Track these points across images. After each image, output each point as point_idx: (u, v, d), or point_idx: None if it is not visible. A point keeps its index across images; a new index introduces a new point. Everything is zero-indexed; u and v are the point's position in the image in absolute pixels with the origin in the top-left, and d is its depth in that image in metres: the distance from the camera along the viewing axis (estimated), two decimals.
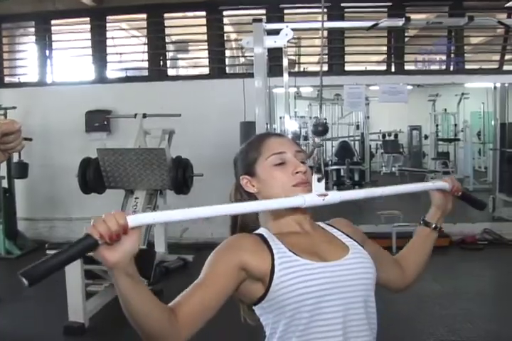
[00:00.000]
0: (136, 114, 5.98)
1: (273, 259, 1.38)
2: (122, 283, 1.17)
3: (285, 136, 1.66)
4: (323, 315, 1.36)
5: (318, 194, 1.38)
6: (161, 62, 8.31)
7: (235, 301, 1.49)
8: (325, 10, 6.89)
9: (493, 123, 8.86)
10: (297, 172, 1.49)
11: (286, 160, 1.51)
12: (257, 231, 1.52)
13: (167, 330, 1.24)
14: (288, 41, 5.04)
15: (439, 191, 1.70)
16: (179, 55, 10.16)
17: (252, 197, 1.57)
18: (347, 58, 8.16)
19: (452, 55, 8.04)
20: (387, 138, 15.04)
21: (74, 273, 4.32)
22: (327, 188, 1.40)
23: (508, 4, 7.89)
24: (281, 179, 1.50)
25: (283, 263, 1.38)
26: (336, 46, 7.97)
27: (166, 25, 8.14)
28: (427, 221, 1.75)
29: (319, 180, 1.39)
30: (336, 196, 1.40)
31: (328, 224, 1.61)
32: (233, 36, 9.76)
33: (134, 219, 1.14)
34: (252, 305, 1.44)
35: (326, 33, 7.00)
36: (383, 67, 8.40)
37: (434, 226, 1.74)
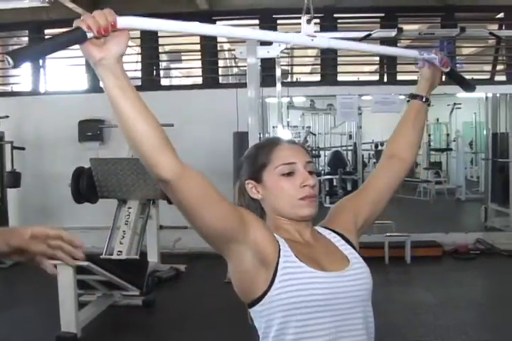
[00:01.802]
0: None
1: (279, 256, 1.38)
2: (108, 82, 1.18)
3: (297, 143, 1.62)
4: (315, 325, 1.36)
5: (307, 34, 1.36)
6: (154, 72, 8.32)
7: (242, 305, 1.47)
8: (317, 20, 6.92)
9: (485, 133, 8.92)
10: (305, 186, 1.47)
11: (295, 171, 1.49)
12: None
13: (158, 151, 1.21)
14: (281, 51, 5.05)
15: (428, 64, 1.72)
16: (172, 65, 10.19)
17: (256, 202, 1.56)
18: (340, 68, 8.19)
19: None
20: (379, 147, 15.03)
21: (66, 283, 4.30)
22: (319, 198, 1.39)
23: (499, 15, 7.97)
24: (288, 191, 1.48)
25: (287, 267, 1.37)
26: (328, 56, 8.00)
27: (159, 35, 8.15)
28: (417, 93, 1.75)
29: (309, 21, 1.37)
30: (324, 39, 1.38)
31: (325, 228, 1.59)
32: (226, 46, 9.79)
33: (124, 19, 1.16)
34: (248, 306, 1.43)
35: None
36: (376, 77, 8.44)
37: (424, 98, 1.75)
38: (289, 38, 1.35)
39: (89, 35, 1.11)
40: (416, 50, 1.70)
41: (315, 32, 1.35)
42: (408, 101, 1.78)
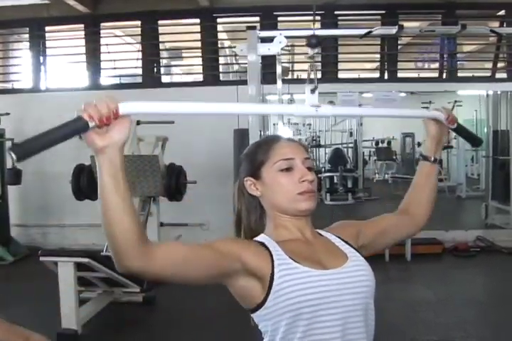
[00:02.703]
0: None
1: (273, 267, 1.38)
2: (104, 171, 1.19)
3: (295, 140, 1.62)
4: (321, 323, 1.36)
5: (312, 105, 1.37)
6: (155, 69, 8.31)
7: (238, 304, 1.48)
8: (318, 17, 6.91)
9: (485, 130, 8.91)
10: (304, 181, 1.48)
11: (293, 167, 1.50)
12: (256, 238, 1.51)
13: (132, 246, 1.19)
14: (282, 49, 5.04)
15: (434, 121, 1.70)
16: (173, 62, 10.18)
17: (255, 199, 1.57)
18: (340, 66, 8.18)
19: (446, 56, 8.05)
20: (380, 145, 15.07)
21: (67, 280, 4.31)
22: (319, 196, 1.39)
23: (500, 13, 7.95)
24: (286, 186, 1.49)
25: (283, 270, 1.38)
26: (329, 54, 8.00)
27: (160, 32, 8.15)
28: (425, 155, 1.75)
29: (312, 91, 1.37)
30: (328, 108, 1.39)
31: (326, 231, 1.61)
32: (227, 43, 9.79)
33: (125, 106, 1.15)
34: (251, 312, 1.43)
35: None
36: (376, 75, 8.43)
37: (433, 158, 1.74)
38: (294, 110, 1.37)
39: (91, 124, 1.11)
40: (423, 110, 1.73)
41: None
42: (418, 160, 1.78)
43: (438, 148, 1.74)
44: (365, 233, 1.62)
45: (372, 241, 1.64)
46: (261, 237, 1.51)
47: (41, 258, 4.45)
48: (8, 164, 7.20)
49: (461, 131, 1.77)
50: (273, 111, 1.41)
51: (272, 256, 1.41)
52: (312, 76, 1.53)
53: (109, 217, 1.19)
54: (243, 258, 1.37)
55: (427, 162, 1.74)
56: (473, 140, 1.84)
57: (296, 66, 9.16)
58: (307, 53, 3.86)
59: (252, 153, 1.57)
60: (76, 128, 1.10)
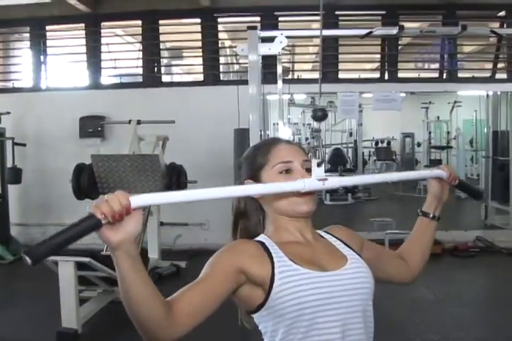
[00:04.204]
0: (130, 120, 5.99)
1: (273, 268, 1.39)
2: (124, 264, 1.17)
3: (294, 143, 1.64)
4: (321, 324, 1.37)
5: (319, 178, 1.38)
6: (156, 69, 8.32)
7: (232, 304, 1.49)
8: (318, 18, 6.92)
9: (485, 131, 8.92)
10: None
11: (292, 169, 1.50)
12: (257, 238, 1.52)
13: (163, 322, 1.23)
14: (282, 49, 5.04)
15: (435, 179, 1.71)
16: (173, 62, 10.18)
17: (255, 202, 1.58)
18: (341, 66, 8.19)
19: (446, 56, 8.05)
20: (380, 145, 15.06)
21: (67, 279, 4.32)
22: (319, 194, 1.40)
23: (500, 13, 7.96)
24: None
25: (283, 272, 1.39)
26: (329, 54, 8.00)
27: (160, 31, 8.15)
28: (425, 211, 1.76)
29: (319, 164, 1.39)
30: (335, 181, 1.41)
31: (326, 232, 1.61)
32: (228, 43, 9.78)
33: (136, 200, 1.15)
34: (251, 312, 1.44)
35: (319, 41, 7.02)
36: (377, 75, 8.44)
37: (431, 216, 1.75)
38: (301, 186, 1.38)
39: (104, 221, 1.10)
40: (426, 170, 1.74)
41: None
42: (418, 215, 1.79)
43: (439, 205, 1.76)
44: (365, 251, 1.62)
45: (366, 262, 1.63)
46: (261, 237, 1.52)
47: None
48: (9, 163, 7.21)
49: (463, 186, 1.81)
50: (280, 190, 1.43)
51: (271, 257, 1.42)
52: (321, 155, 1.56)
53: (135, 307, 1.21)
54: (243, 268, 1.38)
55: (425, 218, 1.76)
56: (475, 194, 1.90)
57: (297, 66, 9.17)
58: (308, 53, 3.87)
59: (251, 156, 1.58)
60: (89, 227, 1.10)
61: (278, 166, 1.51)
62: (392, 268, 1.69)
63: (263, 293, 1.38)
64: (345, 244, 1.56)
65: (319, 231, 1.60)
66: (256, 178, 1.54)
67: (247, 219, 1.60)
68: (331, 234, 1.60)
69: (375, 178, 1.58)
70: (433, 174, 1.69)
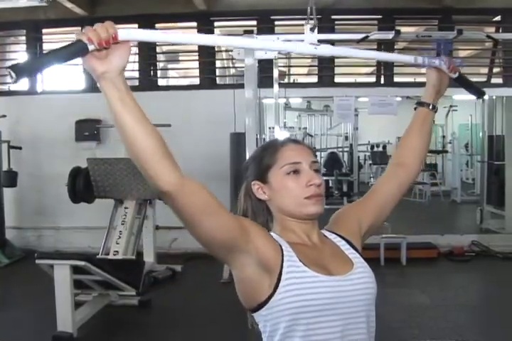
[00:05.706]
0: None
1: (282, 262, 1.39)
2: (110, 95, 1.20)
3: (302, 143, 1.62)
4: (320, 329, 1.37)
5: (311, 43, 1.38)
6: (152, 72, 8.32)
7: (240, 306, 1.48)
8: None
9: (480, 135, 8.94)
10: (311, 185, 1.48)
11: (300, 170, 1.49)
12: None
13: (159, 162, 1.23)
14: (278, 53, 5.05)
15: (435, 70, 1.70)
16: (170, 65, 10.18)
17: (262, 203, 1.56)
18: (337, 70, 8.20)
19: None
20: (375, 149, 15.07)
21: (63, 282, 4.31)
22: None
23: (496, 18, 7.99)
24: (293, 190, 1.48)
25: (291, 272, 1.38)
26: (326, 58, 8.02)
27: None
28: (424, 101, 1.75)
29: (312, 29, 1.39)
30: (328, 47, 1.40)
31: (331, 232, 1.60)
32: (224, 47, 9.79)
33: (124, 31, 1.16)
34: (251, 311, 1.44)
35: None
36: (373, 79, 8.45)
37: (431, 106, 1.75)
38: (293, 47, 1.36)
39: (91, 47, 1.12)
40: (425, 56, 1.68)
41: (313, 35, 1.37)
42: (415, 108, 1.78)
43: (437, 96, 1.76)
44: (365, 219, 1.63)
45: (376, 218, 1.65)
46: (272, 234, 1.50)
47: (37, 261, 4.44)
48: (5, 166, 7.20)
49: (463, 80, 1.77)
50: (273, 48, 1.42)
51: (282, 251, 1.41)
52: (312, 11, 1.55)
53: (128, 139, 1.23)
54: (255, 241, 1.38)
55: (424, 108, 1.75)
56: (476, 91, 1.84)
57: (293, 70, 9.19)
58: (304, 57, 3.87)
59: (258, 157, 1.57)
60: (75, 50, 1.13)
61: (286, 167, 1.50)
62: (395, 186, 1.70)
63: (268, 290, 1.37)
64: (349, 243, 1.56)
65: (323, 231, 1.60)
66: (263, 179, 1.53)
67: (255, 221, 1.57)
68: (335, 233, 1.59)
69: (370, 54, 1.58)
70: (432, 63, 1.67)
